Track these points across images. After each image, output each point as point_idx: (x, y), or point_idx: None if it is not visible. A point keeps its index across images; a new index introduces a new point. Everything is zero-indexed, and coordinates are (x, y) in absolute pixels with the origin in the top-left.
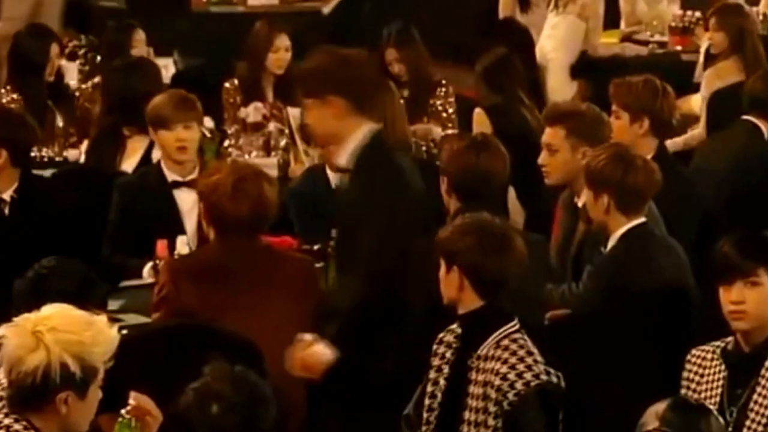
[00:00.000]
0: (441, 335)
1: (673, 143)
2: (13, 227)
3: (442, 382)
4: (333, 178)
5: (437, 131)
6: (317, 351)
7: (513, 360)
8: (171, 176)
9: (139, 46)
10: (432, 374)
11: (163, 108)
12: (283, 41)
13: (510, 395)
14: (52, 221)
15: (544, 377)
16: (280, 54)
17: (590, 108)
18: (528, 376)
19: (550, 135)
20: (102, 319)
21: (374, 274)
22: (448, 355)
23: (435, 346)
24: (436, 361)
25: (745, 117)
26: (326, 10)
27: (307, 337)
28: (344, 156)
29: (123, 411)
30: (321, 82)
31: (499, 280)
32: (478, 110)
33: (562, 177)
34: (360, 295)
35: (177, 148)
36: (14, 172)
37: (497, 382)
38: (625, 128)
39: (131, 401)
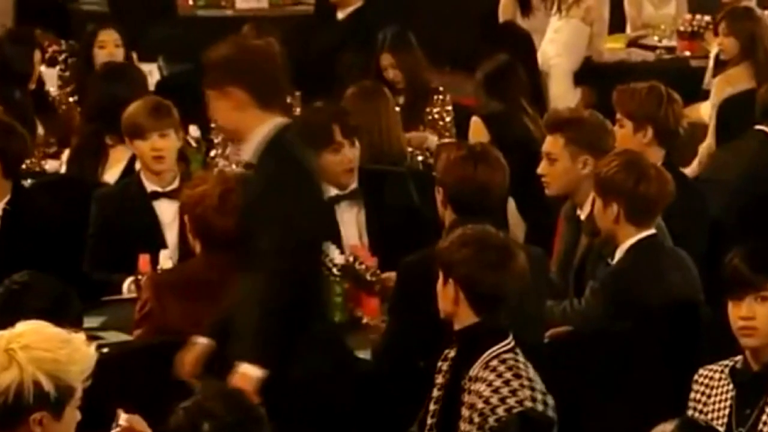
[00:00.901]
0: (447, 351)
1: (691, 171)
2: (6, 240)
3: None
4: (325, 189)
5: (433, 140)
6: (242, 372)
7: (498, 383)
8: (150, 187)
9: (108, 47)
10: (434, 392)
11: (137, 116)
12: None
13: (491, 420)
14: (43, 234)
15: (528, 403)
16: None
17: (592, 115)
18: (511, 401)
19: (549, 143)
20: (79, 336)
21: (279, 275)
22: (446, 373)
23: (439, 363)
24: (439, 379)
25: (757, 127)
26: (341, 15)
27: (201, 340)
28: (248, 151)
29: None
30: (221, 73)
31: (495, 295)
32: (475, 119)
33: (562, 187)
34: (265, 300)
35: (153, 157)
36: (6, 184)
37: (480, 405)
38: (629, 137)
39: (122, 422)
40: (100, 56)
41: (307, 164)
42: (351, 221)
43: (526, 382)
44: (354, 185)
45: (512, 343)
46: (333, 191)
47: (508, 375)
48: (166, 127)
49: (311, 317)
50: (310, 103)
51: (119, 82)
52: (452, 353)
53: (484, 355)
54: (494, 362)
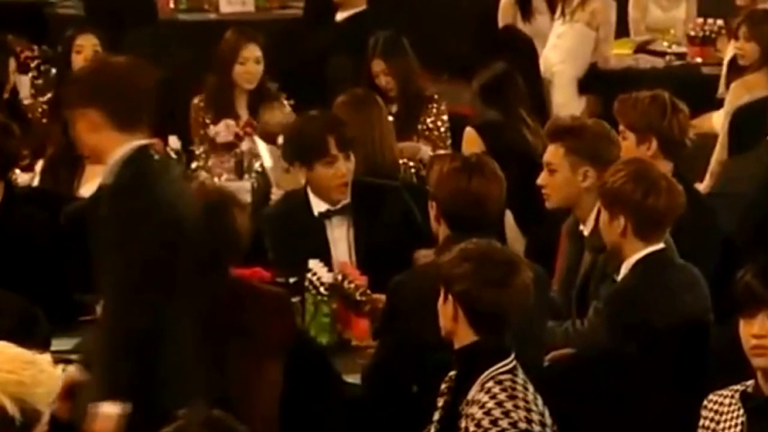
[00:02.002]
0: (451, 373)
1: (704, 186)
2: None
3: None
4: (315, 204)
5: (426, 151)
6: (98, 412)
7: (490, 404)
8: None
9: (86, 52)
10: (436, 415)
11: None
12: (252, 52)
13: None
14: (32, 242)
15: (522, 425)
16: (248, 66)
17: (596, 124)
18: (504, 423)
19: (549, 153)
20: (44, 357)
21: (124, 302)
22: (447, 396)
23: (443, 385)
24: (440, 402)
25: None
26: (340, 17)
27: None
28: (105, 174)
29: None
30: (77, 93)
31: (496, 313)
32: (468, 130)
33: (562, 199)
34: (113, 330)
35: None
36: None
37: (472, 428)
38: (633, 149)
39: None
40: (78, 62)
41: (161, 189)
42: (342, 238)
43: (521, 403)
44: (346, 200)
45: (513, 363)
46: (323, 206)
47: (501, 396)
48: None
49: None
50: (302, 110)
51: None
52: (452, 374)
53: (482, 377)
54: (490, 383)
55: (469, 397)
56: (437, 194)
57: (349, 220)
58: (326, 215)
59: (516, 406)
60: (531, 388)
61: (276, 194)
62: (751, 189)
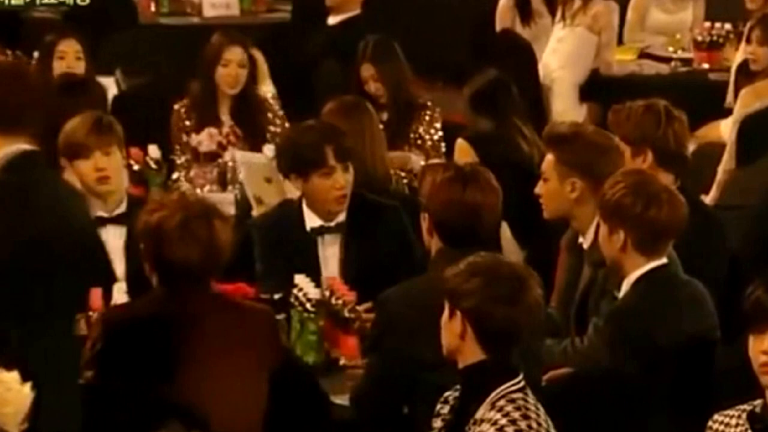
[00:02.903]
0: (447, 393)
1: (712, 199)
2: None
3: None
4: (309, 218)
5: (417, 160)
6: None
7: (503, 422)
8: (95, 212)
9: (68, 58)
10: None
11: (77, 134)
12: (235, 54)
13: None
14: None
15: None
16: (230, 69)
17: (595, 134)
18: None
19: (545, 160)
20: (12, 375)
21: None
22: (448, 416)
23: (438, 406)
24: (437, 423)
25: None
26: (333, 21)
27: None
28: None
29: None
30: None
31: (507, 331)
32: (460, 141)
33: (554, 210)
34: None
35: (97, 178)
36: None
37: None
38: (629, 162)
39: None
40: (60, 68)
41: (34, 198)
42: (333, 257)
43: (534, 425)
44: (341, 217)
45: (522, 383)
46: (317, 222)
47: (515, 415)
48: (110, 144)
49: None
50: (291, 117)
51: (77, 97)
52: (453, 395)
53: (492, 395)
54: (501, 402)
55: (478, 416)
56: (430, 205)
57: (342, 238)
58: (319, 231)
59: (530, 426)
60: (542, 408)
61: (258, 210)
62: (757, 201)
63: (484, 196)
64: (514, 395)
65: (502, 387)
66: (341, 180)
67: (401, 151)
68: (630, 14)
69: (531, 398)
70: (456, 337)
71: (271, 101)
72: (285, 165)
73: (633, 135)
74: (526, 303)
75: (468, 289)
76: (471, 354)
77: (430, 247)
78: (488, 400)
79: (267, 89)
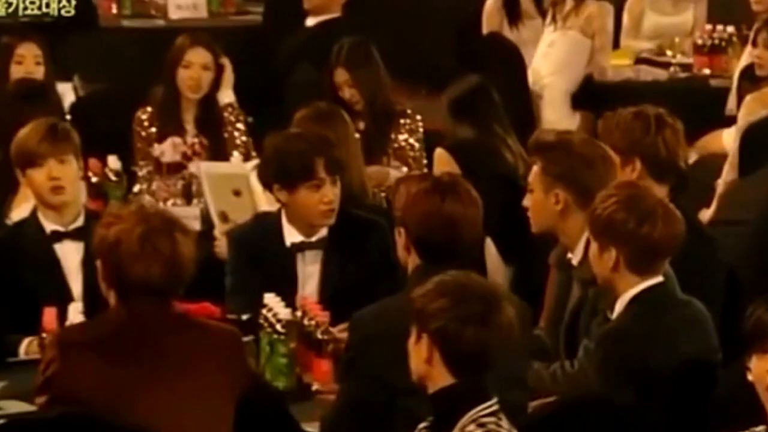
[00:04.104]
0: (421, 425)
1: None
2: None
3: None
4: (289, 233)
5: (396, 175)
6: None
7: None
8: (49, 226)
9: (27, 63)
10: None
11: (29, 142)
12: (198, 56)
13: None
14: None
15: None
16: (192, 71)
17: (582, 143)
18: None
19: (531, 171)
20: None
21: None
22: None
23: None
24: None
25: None
26: (311, 22)
27: None
28: None
29: None
30: None
31: (477, 353)
32: (439, 151)
33: (540, 224)
34: None
35: (51, 188)
36: None
37: None
38: (620, 173)
39: None
40: (18, 72)
41: None
42: (313, 275)
43: None
44: (323, 232)
45: (496, 407)
46: (298, 237)
47: None
48: (65, 153)
49: None
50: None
51: (35, 103)
52: (424, 424)
53: (462, 420)
54: (471, 426)
55: None
56: (406, 219)
57: (323, 255)
58: (299, 247)
59: None
60: None
61: (221, 228)
62: (756, 215)
63: (464, 207)
64: (485, 419)
65: (473, 411)
66: (330, 194)
67: (379, 165)
68: (626, 17)
69: (505, 423)
70: (423, 361)
71: (236, 108)
72: (269, 175)
73: (621, 143)
74: (498, 323)
75: (435, 310)
76: (440, 379)
77: (407, 264)
78: (459, 425)
79: (226, 96)
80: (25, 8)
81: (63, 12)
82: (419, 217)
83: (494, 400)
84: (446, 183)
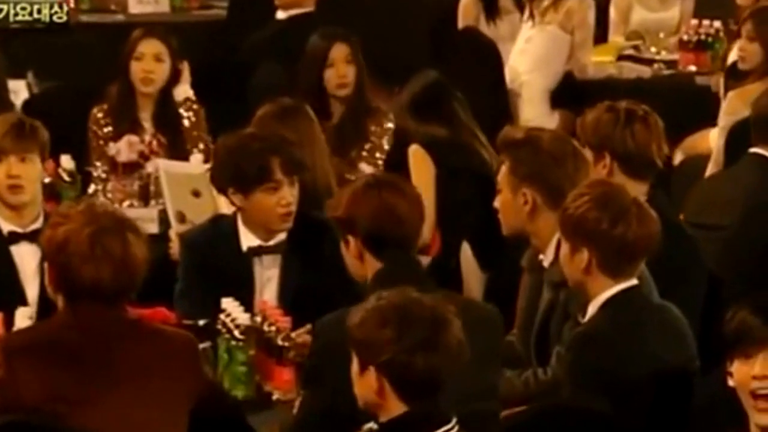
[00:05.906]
0: None
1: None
2: None
3: None
4: (245, 237)
5: (366, 169)
6: None
7: None
8: (7, 227)
9: None
10: None
11: None
12: (150, 47)
13: None
14: None
15: None
16: (144, 63)
17: (550, 139)
18: None
19: (501, 169)
20: None
21: None
22: None
23: None
24: None
25: (753, 150)
26: (282, 15)
27: None
28: None
29: None
30: None
31: (429, 379)
32: (415, 147)
33: (510, 226)
34: None
35: (9, 186)
36: None
37: None
38: (593, 171)
39: None
40: None
41: None
42: (272, 281)
43: None
44: (281, 236)
45: (455, 428)
46: (255, 241)
47: None
48: (29, 151)
49: None
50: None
51: None
52: None
53: None
54: None
55: None
56: (353, 221)
57: (282, 259)
58: (256, 252)
59: None
60: None
61: (178, 229)
62: (729, 220)
63: (404, 196)
64: None
65: None
66: (288, 196)
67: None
68: (613, 13)
69: None
70: (372, 393)
71: (195, 102)
72: (223, 178)
73: (593, 139)
74: (446, 344)
75: (379, 342)
76: (393, 408)
77: (361, 278)
78: None
79: (183, 92)
80: (16, 14)
81: (55, 18)
82: (366, 213)
83: (453, 422)
84: (381, 178)
